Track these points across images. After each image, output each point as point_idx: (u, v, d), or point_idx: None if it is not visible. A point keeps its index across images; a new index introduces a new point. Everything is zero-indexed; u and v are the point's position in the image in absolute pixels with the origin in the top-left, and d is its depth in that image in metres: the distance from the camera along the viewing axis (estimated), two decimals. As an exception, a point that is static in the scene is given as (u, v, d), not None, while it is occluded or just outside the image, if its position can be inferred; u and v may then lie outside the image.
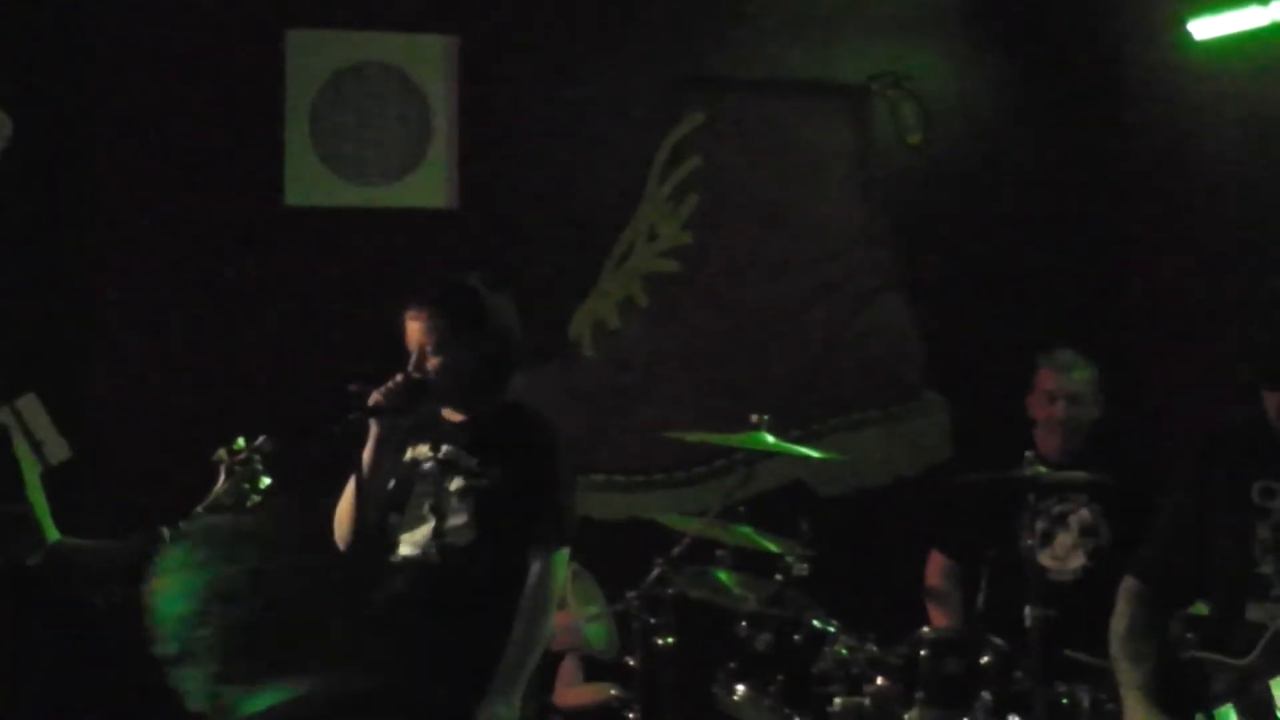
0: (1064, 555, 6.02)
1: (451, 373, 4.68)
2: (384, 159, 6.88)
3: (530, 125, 7.00)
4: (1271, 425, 3.87)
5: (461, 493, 4.67)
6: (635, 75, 7.07)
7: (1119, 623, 4.10)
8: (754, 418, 5.75)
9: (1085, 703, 5.29)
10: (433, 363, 4.66)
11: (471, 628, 4.60)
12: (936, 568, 6.30)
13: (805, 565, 5.67)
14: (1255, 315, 3.90)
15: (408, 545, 4.69)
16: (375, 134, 6.88)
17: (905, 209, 7.24)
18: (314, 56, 6.82)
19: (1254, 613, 3.79)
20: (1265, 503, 3.85)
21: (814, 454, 6.17)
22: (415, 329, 4.69)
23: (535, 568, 4.65)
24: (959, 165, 7.25)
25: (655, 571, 5.52)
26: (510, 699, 4.57)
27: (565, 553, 4.75)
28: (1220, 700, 3.79)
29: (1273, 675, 3.72)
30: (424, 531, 4.66)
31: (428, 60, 6.89)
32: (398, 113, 6.87)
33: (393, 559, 4.70)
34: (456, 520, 4.65)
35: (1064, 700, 5.38)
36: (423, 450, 4.75)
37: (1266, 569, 3.80)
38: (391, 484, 4.76)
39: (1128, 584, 4.15)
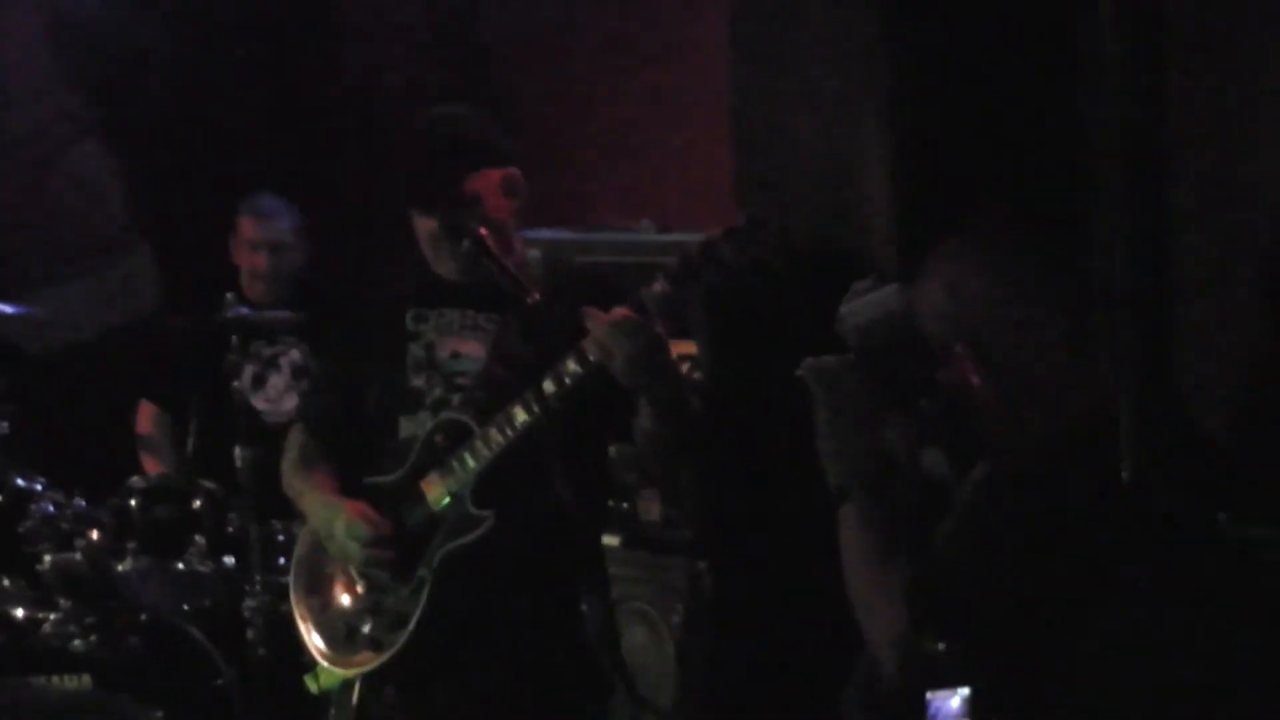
0: (277, 397, 6.08)
1: None
2: None
3: None
4: (430, 269, 4.02)
5: None
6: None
7: (287, 458, 4.20)
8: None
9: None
10: None
11: None
12: (148, 416, 6.25)
13: (5, 424, 5.51)
14: (407, 142, 4.01)
15: None
16: None
17: (96, 49, 7.00)
18: None
19: (406, 427, 3.94)
20: (418, 326, 3.99)
21: (7, 309, 5.97)
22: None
23: None
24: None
25: None
26: None
27: None
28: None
29: (421, 477, 3.89)
30: None
31: None
32: None
33: None
34: None
35: (279, 538, 5.47)
36: None
37: (419, 383, 3.95)
38: None
39: (293, 430, 4.25)
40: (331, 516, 3.95)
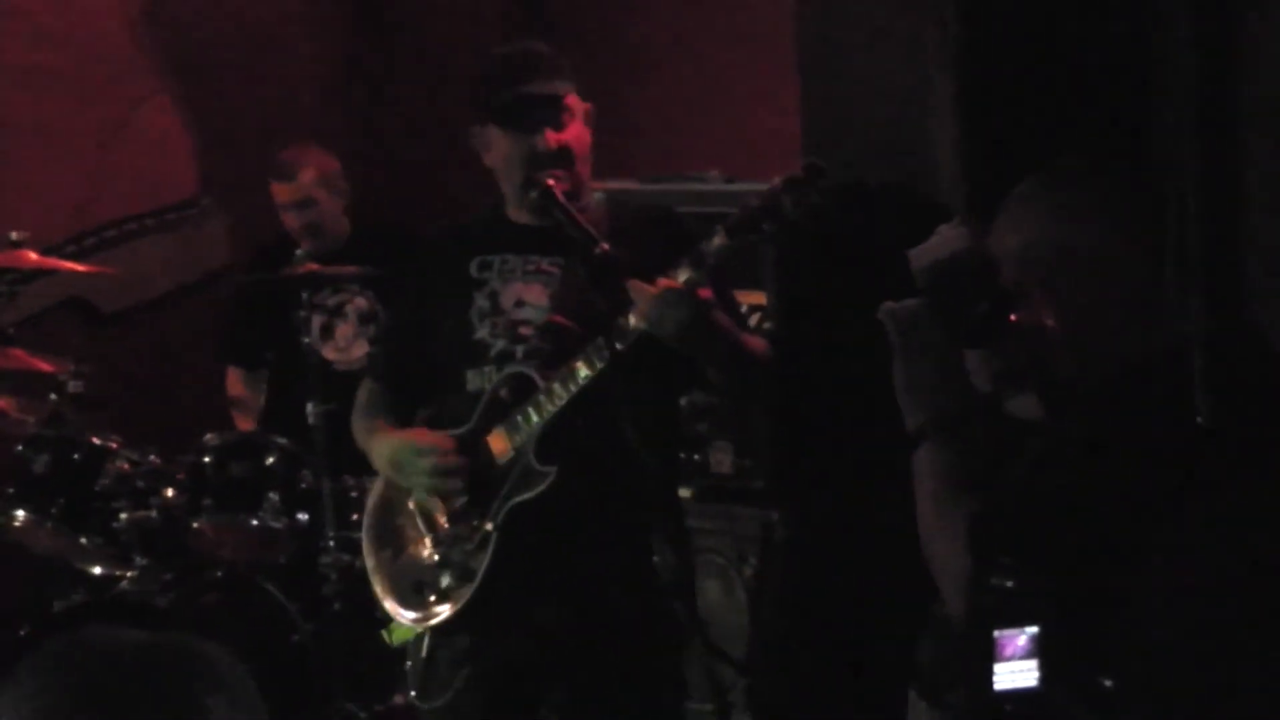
0: (346, 345, 6.06)
1: None
2: None
3: None
4: (499, 210, 3.98)
5: None
6: None
7: (356, 409, 4.18)
8: (14, 235, 5.57)
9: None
10: None
11: None
12: (236, 378, 6.27)
13: (81, 382, 5.54)
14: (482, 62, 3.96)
15: None
16: None
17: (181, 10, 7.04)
18: None
19: (473, 381, 3.91)
20: (482, 275, 3.95)
21: (81, 268, 6.01)
22: None
23: None
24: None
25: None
26: None
27: None
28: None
29: (487, 432, 3.87)
30: None
31: None
32: None
33: None
34: None
35: (353, 494, 5.48)
36: None
37: (483, 333, 3.91)
38: None
39: (364, 385, 4.22)
40: (397, 447, 3.95)
